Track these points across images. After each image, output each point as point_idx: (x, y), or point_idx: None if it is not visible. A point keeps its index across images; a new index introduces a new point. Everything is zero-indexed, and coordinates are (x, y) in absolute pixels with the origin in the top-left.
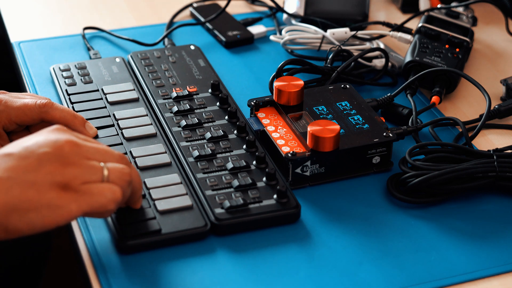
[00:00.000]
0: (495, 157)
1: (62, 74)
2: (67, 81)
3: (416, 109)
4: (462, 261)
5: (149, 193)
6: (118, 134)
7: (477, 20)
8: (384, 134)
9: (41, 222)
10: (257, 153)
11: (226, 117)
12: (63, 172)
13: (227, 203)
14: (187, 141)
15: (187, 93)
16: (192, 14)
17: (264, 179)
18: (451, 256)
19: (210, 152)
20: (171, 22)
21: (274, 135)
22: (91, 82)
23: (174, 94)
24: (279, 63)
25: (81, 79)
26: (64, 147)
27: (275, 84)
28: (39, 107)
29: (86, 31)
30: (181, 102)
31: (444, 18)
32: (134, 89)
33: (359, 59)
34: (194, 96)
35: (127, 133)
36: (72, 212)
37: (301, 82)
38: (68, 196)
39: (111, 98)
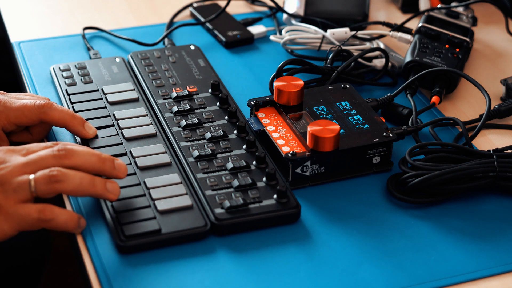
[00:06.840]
0: (495, 157)
1: (62, 74)
2: (67, 81)
3: (416, 109)
4: (462, 261)
5: (149, 193)
6: (118, 134)
7: (477, 20)
8: (384, 134)
9: None
10: (257, 153)
11: (226, 117)
12: None
13: (227, 203)
14: (187, 141)
15: (187, 93)
16: (192, 14)
17: (264, 179)
18: (451, 256)
19: (210, 152)
20: (171, 22)
21: (274, 135)
22: (91, 82)
23: (174, 94)
24: (279, 63)
25: (81, 79)
26: None
27: (275, 84)
28: (38, 108)
29: (86, 31)
30: (181, 102)
31: (444, 18)
32: (134, 89)
33: (359, 59)
34: (194, 96)
35: (127, 133)
36: (6, 232)
37: (301, 82)
38: (1, 218)
39: (111, 98)
